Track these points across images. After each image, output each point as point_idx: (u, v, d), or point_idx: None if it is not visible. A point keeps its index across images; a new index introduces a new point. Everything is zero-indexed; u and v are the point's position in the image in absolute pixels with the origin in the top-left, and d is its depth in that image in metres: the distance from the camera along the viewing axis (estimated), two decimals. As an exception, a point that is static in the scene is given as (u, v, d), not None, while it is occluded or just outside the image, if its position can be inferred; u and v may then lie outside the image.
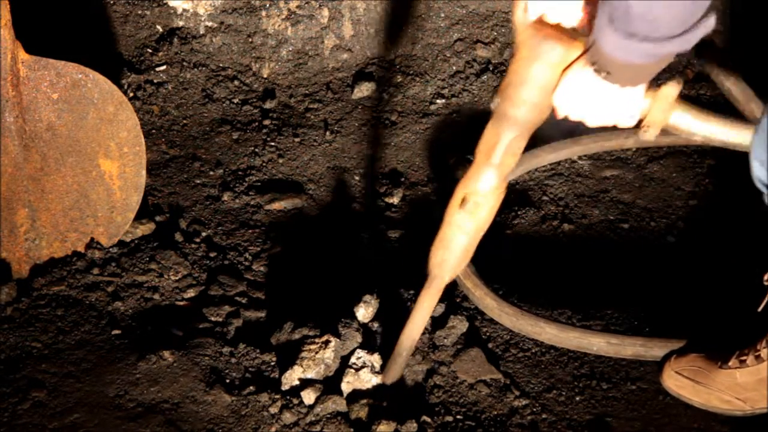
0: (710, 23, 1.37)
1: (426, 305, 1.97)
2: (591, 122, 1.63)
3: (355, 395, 2.06)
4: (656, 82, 1.59)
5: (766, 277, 2.01)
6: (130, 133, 2.41)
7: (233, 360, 2.20)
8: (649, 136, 1.63)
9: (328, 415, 2.02)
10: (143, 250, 2.49)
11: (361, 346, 2.13)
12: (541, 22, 1.62)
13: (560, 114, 1.66)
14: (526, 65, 1.63)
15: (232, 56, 3.21)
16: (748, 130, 1.68)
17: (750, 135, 1.69)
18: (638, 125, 1.64)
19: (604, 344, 2.21)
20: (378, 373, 2.09)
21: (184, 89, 3.13)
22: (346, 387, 2.06)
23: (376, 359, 2.10)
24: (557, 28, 1.62)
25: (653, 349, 2.20)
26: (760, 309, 2.03)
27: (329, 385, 2.09)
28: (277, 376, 2.14)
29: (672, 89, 1.60)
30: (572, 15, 1.61)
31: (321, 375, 2.10)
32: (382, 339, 2.20)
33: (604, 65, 1.51)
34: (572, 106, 1.62)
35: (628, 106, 1.59)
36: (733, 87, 2.46)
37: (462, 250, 1.86)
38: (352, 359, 2.09)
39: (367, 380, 2.07)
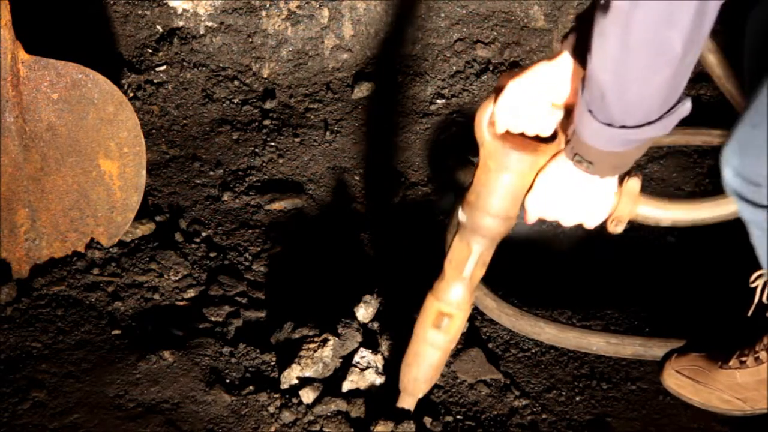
0: (687, 107, 1.39)
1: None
2: (567, 221, 1.65)
3: (356, 394, 2.06)
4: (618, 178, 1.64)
5: (752, 279, 2.03)
6: (130, 133, 2.41)
7: (233, 360, 2.19)
8: (619, 230, 1.69)
9: (328, 414, 2.02)
10: (143, 250, 2.49)
11: (362, 346, 2.13)
12: (506, 133, 1.65)
13: (532, 218, 1.68)
14: (495, 176, 1.66)
15: (232, 56, 3.21)
16: (708, 206, 1.78)
17: (709, 211, 1.78)
18: (605, 222, 1.68)
19: (604, 344, 2.21)
20: (381, 373, 2.09)
21: (184, 89, 3.13)
22: (349, 385, 2.06)
23: (379, 359, 2.10)
24: (521, 137, 1.65)
25: (653, 349, 2.20)
26: (749, 313, 2.05)
27: (329, 384, 2.09)
28: (276, 375, 2.14)
29: (635, 183, 1.65)
30: (537, 123, 1.62)
31: (320, 374, 2.10)
32: (382, 340, 2.20)
33: (585, 155, 1.52)
34: (548, 205, 1.64)
35: (603, 200, 1.62)
36: (734, 89, 2.47)
37: (435, 366, 1.88)
38: (357, 359, 2.09)
39: (371, 380, 2.07)
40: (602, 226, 1.69)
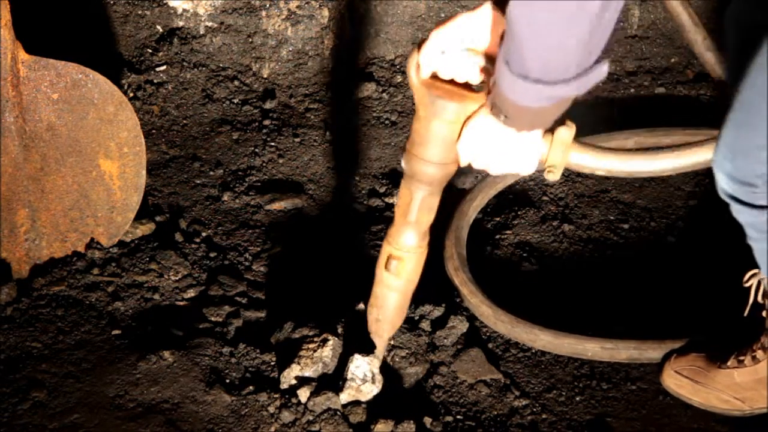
0: (604, 70, 1.37)
1: None
2: (494, 170, 1.65)
3: (355, 404, 2.05)
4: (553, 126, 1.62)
5: (745, 278, 2.03)
6: (130, 134, 2.41)
7: (233, 360, 2.20)
8: (554, 177, 1.69)
9: (327, 413, 2.02)
10: (143, 250, 2.49)
11: (357, 352, 2.10)
12: (434, 80, 1.65)
13: (464, 162, 1.69)
14: (425, 125, 1.68)
15: (232, 56, 3.21)
16: (643, 159, 1.76)
17: (643, 163, 1.76)
18: (542, 168, 1.68)
19: (599, 349, 2.21)
20: (379, 381, 2.08)
21: (184, 89, 3.13)
22: (346, 397, 2.05)
23: (375, 366, 2.07)
24: (451, 84, 1.65)
25: (647, 352, 2.20)
26: (745, 314, 2.05)
27: (326, 381, 2.08)
28: (276, 375, 2.14)
29: (566, 132, 1.64)
30: (464, 70, 1.62)
31: (319, 373, 2.10)
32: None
33: (503, 108, 1.51)
34: (475, 153, 1.64)
35: (527, 151, 1.61)
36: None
37: (395, 308, 1.95)
38: (353, 370, 2.05)
39: (368, 391, 2.05)
40: (540, 174, 1.70)
